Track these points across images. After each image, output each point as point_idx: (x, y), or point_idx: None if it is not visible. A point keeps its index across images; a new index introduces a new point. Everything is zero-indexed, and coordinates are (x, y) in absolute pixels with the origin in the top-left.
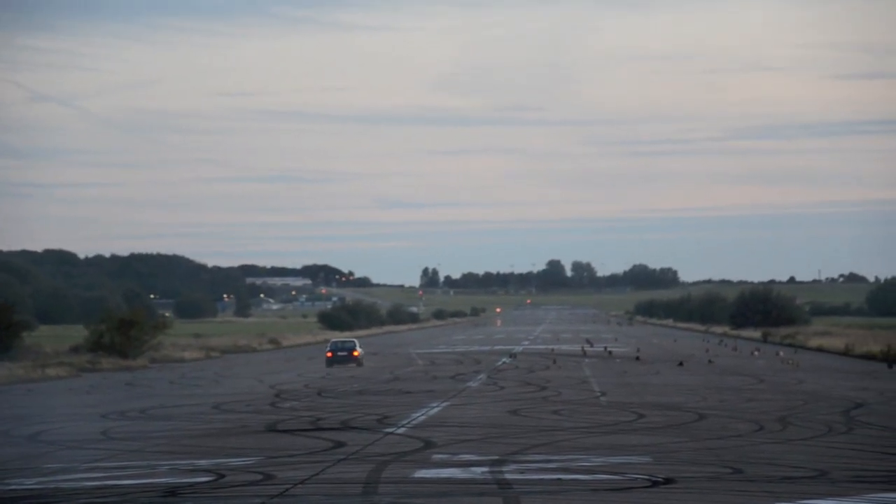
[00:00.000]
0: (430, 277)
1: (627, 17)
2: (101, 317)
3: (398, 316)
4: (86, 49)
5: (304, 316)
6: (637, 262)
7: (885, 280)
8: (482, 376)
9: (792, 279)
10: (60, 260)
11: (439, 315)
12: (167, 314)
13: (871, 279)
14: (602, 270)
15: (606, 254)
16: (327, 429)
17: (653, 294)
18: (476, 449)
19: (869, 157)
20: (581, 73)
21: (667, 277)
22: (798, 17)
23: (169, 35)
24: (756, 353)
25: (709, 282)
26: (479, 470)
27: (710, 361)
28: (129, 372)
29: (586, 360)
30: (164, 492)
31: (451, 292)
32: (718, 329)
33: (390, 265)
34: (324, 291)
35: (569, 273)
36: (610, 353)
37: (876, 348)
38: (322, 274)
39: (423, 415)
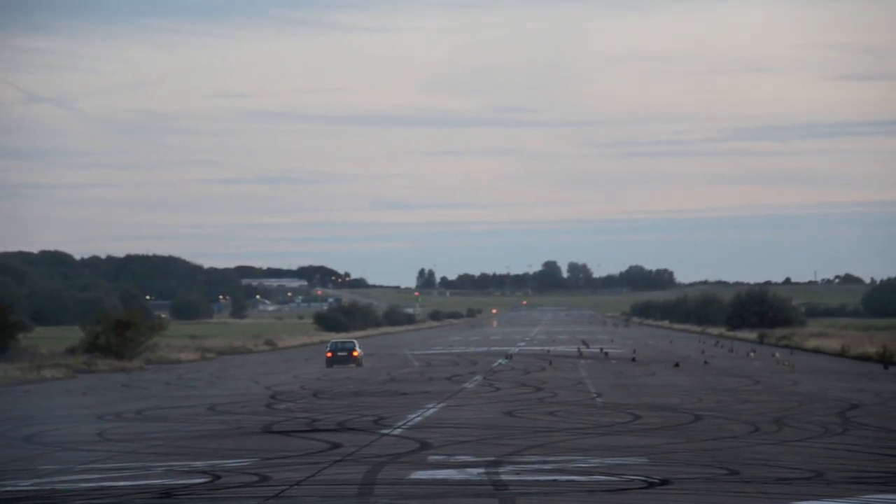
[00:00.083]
0: (426, 279)
1: (625, 18)
2: (98, 318)
3: (394, 317)
4: (84, 50)
5: (300, 317)
6: (633, 264)
7: (881, 281)
8: (478, 377)
9: (788, 280)
10: (56, 261)
11: (435, 316)
12: (163, 315)
13: (867, 280)
14: (598, 272)
15: (603, 255)
16: (323, 430)
17: (649, 295)
18: (472, 450)
19: (865, 159)
20: (578, 74)
21: (663, 278)
22: (796, 17)
23: (167, 36)
24: (752, 354)
25: (705, 283)
26: (475, 471)
27: (706, 363)
28: (125, 373)
29: (582, 361)
30: (159, 493)
31: (448, 293)
32: (714, 330)
33: (386, 266)
34: (320, 293)
35: (565, 274)
36: (606, 354)
37: (872, 349)
38: (318, 275)
39: (419, 416)
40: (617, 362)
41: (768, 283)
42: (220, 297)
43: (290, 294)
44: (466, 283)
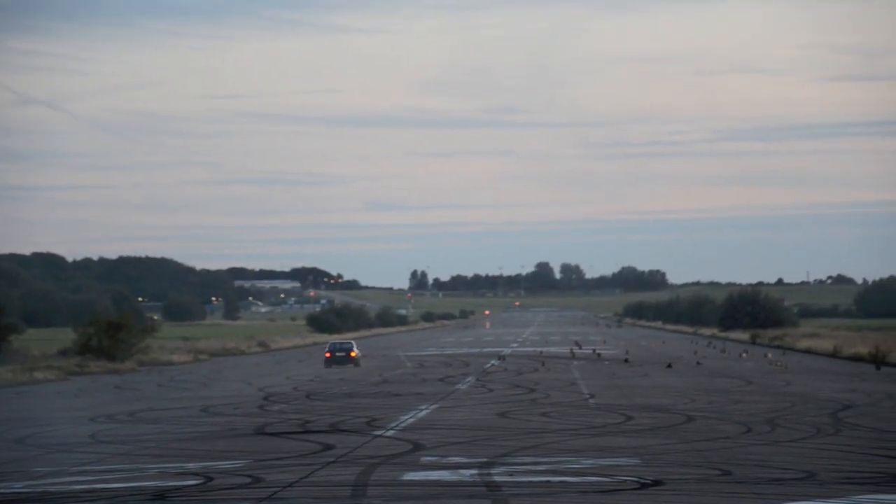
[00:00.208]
0: (418, 280)
1: (621, 18)
2: (90, 320)
3: (387, 318)
4: (81, 53)
5: (293, 319)
6: (626, 264)
7: (873, 282)
8: (471, 379)
9: (780, 281)
10: (48, 263)
11: (428, 317)
12: (155, 317)
13: (859, 281)
14: (591, 272)
15: (595, 256)
16: (316, 431)
17: (641, 296)
18: (465, 451)
19: (859, 160)
20: (574, 75)
21: (655, 279)
22: (795, 18)
23: (163, 38)
24: (744, 355)
25: (697, 284)
26: (467, 472)
27: (698, 363)
28: (118, 375)
29: (575, 362)
30: (152, 495)
31: (440, 295)
32: (707, 331)
33: (379, 268)
34: (312, 294)
35: (557, 275)
36: (598, 355)
37: (864, 350)
38: (311, 277)
39: (411, 417)
40: (609, 363)
41: (760, 283)
42: (213, 298)
43: (282, 296)
44: (459, 285)
